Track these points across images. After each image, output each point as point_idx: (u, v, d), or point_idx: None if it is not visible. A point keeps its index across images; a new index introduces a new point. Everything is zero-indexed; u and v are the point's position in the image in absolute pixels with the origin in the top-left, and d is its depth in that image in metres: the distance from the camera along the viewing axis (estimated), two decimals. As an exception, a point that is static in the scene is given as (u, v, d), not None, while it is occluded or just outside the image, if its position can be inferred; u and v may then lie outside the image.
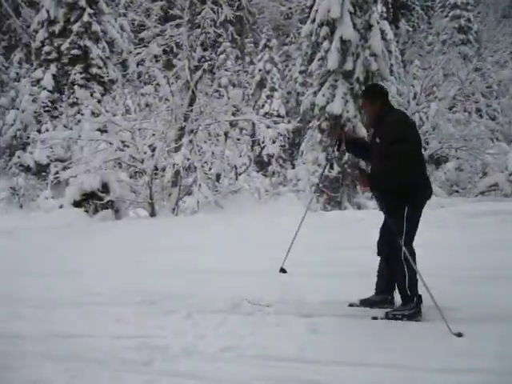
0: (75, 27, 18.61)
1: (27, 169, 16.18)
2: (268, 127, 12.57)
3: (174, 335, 3.47)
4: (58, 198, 13.92)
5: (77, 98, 16.95)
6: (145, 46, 13.87)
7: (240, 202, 11.17)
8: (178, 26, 12.54)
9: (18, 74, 18.98)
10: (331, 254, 5.73)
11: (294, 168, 17.72)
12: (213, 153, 10.95)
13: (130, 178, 12.98)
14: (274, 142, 12.54)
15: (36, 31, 19.46)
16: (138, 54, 12.47)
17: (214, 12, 12.87)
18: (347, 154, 12.62)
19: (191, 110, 10.80)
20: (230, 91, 11.75)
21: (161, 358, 3.12)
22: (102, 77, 18.17)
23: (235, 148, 13.58)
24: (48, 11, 18.97)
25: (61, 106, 16.92)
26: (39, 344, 3.49)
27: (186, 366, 2.99)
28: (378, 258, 3.94)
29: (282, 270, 4.38)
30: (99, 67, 18.33)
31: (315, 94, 14.39)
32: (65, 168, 14.76)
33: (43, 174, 15.73)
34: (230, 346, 3.21)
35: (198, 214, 10.27)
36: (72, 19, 18.88)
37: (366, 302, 3.94)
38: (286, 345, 3.23)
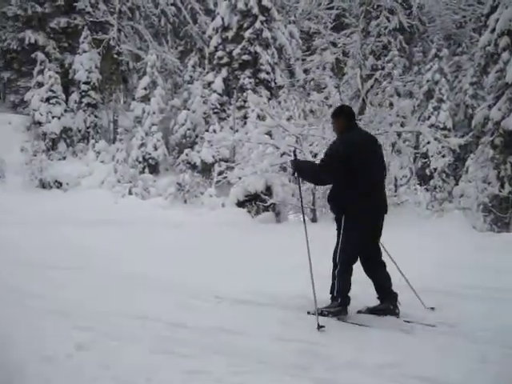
0: (247, 34, 20.15)
1: (193, 166, 17.85)
2: (436, 140, 12.53)
3: (336, 344, 3.55)
4: (220, 196, 15.26)
5: (244, 102, 18.38)
6: (311, 54, 14.70)
7: (400, 215, 11.29)
8: (351, 34, 13.13)
9: (191, 76, 20.95)
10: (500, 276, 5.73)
11: (457, 184, 17.28)
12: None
13: (289, 181, 13.82)
14: (443, 156, 12.49)
15: (210, 37, 21.40)
16: (311, 61, 13.25)
17: (388, 20, 13.27)
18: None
19: (360, 119, 11.25)
20: (401, 102, 11.93)
21: (322, 366, 3.18)
22: (270, 82, 19.48)
23: (396, 159, 13.71)
24: (223, 18, 20.79)
25: (229, 109, 18.47)
26: (206, 336, 3.79)
27: (345, 377, 3.03)
28: None
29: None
30: (267, 73, 19.64)
31: (490, 107, 13.97)
32: (228, 168, 16.11)
33: (208, 172, 17.34)
34: (391, 362, 3.21)
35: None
36: (244, 26, 20.47)
37: (373, 310, 4.31)
38: (452, 370, 3.17)
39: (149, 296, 5.10)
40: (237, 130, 17.13)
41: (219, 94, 19.55)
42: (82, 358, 3.51)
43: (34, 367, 3.34)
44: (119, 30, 22.85)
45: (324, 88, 13.37)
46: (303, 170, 4.44)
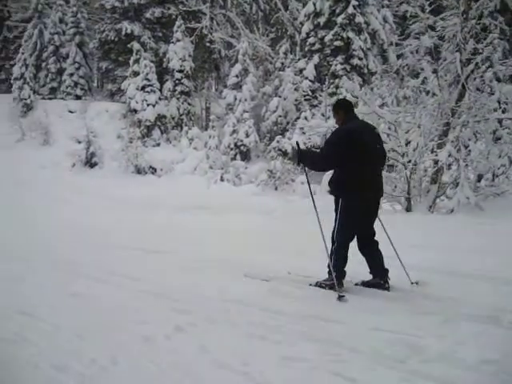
0: (339, 19, 20.24)
1: (284, 153, 18.34)
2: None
3: (432, 337, 3.53)
4: (312, 183, 15.62)
5: (336, 88, 18.60)
6: (405, 38, 14.60)
7: (503, 205, 11.14)
8: (450, 16, 12.96)
9: (282, 63, 21.36)
10: None
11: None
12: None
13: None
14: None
15: (302, 23, 21.68)
16: (407, 45, 13.26)
17: (490, 0, 12.96)
18: None
19: (459, 106, 11.18)
20: (503, 87, 11.70)
21: (416, 357, 3.20)
22: (362, 68, 19.54)
23: (496, 147, 13.41)
24: (314, 4, 20.98)
25: (320, 95, 18.75)
26: (300, 323, 3.87)
27: (441, 370, 3.04)
28: None
29: None
30: (360, 58, 19.67)
31: None
32: (319, 156, 16.42)
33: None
34: (491, 359, 3.17)
35: (455, 214, 10.54)
36: (337, 11, 20.58)
37: (366, 284, 4.87)
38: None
39: (241, 281, 5.27)
40: (328, 117, 17.37)
41: (311, 81, 19.83)
42: (180, 339, 3.72)
43: (136, 347, 3.60)
44: (211, 19, 23.67)
45: (418, 74, 13.31)
46: (306, 160, 4.89)
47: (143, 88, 21.90)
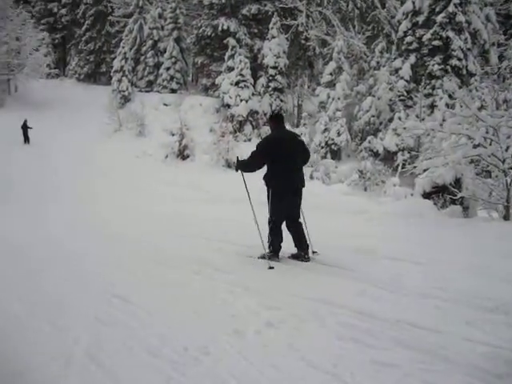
0: (439, 18, 19.92)
1: (375, 154, 18.38)
2: None
3: None
4: (402, 185, 15.60)
5: (432, 89, 18.43)
6: (509, 38, 14.27)
7: None
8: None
9: (378, 62, 21.33)
10: None
11: None
12: None
13: (477, 174, 13.66)
14: None
15: (399, 22, 21.51)
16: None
17: None
18: None
19: None
20: None
21: None
22: (461, 69, 19.16)
23: None
24: (414, 2, 20.75)
25: (416, 96, 18.64)
26: (392, 328, 3.80)
27: None
28: None
29: None
30: (459, 59, 19.29)
31: None
32: (412, 157, 16.37)
33: (390, 160, 17.74)
34: None
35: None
36: (437, 10, 20.27)
37: (293, 256, 6.11)
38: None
39: (330, 281, 5.25)
40: (423, 119, 17.26)
41: (406, 81, 19.69)
42: (270, 335, 3.78)
43: (227, 339, 3.69)
44: (307, 16, 24.01)
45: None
46: (241, 166, 6.12)
47: (237, 83, 22.59)
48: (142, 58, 31.60)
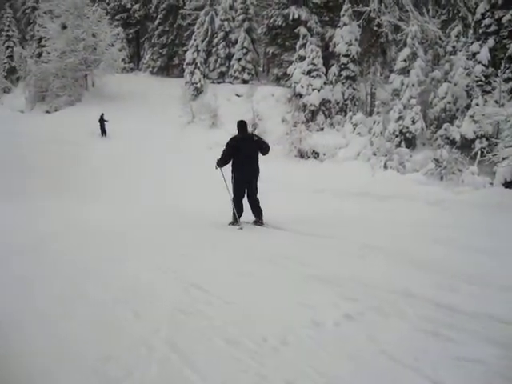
0: (519, -3, 19.38)
1: (452, 142, 18.11)
2: None
3: None
4: (481, 174, 15.38)
5: (512, 74, 17.98)
6: None
7: None
8: None
9: (454, 47, 20.88)
10: None
11: None
12: None
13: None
14: None
15: (476, 4, 20.94)
16: None
17: None
18: None
19: None
20: None
21: None
22: (544, 52, 18.53)
23: None
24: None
25: (494, 81, 18.21)
26: (475, 322, 3.77)
27: None
28: None
29: None
30: (542, 41, 18.71)
31: None
32: (490, 145, 16.10)
33: (467, 148, 17.44)
34: None
35: None
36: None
37: (253, 222, 8.77)
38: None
39: (407, 272, 5.26)
40: (502, 104, 16.91)
41: (484, 66, 19.20)
42: (349, 328, 3.78)
43: (306, 331, 3.74)
44: (380, 2, 23.82)
45: None
46: (219, 163, 8.64)
47: (309, 72, 22.81)
48: (214, 49, 32.36)
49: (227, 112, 26.27)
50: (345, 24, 23.10)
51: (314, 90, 22.55)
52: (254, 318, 4.12)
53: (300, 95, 23.09)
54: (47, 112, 35.94)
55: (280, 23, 27.21)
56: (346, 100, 22.81)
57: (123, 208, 12.74)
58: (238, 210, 8.70)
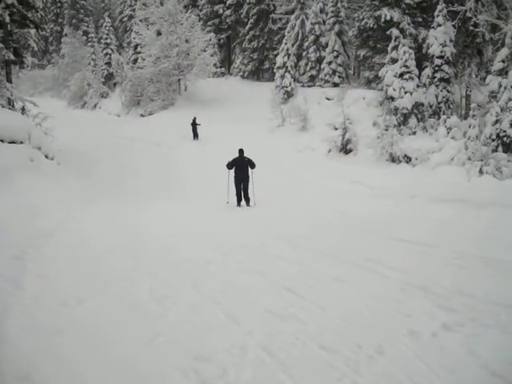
0: None
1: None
2: None
3: None
4: None
5: None
6: None
7: None
8: None
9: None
10: None
11: None
12: None
13: None
14: None
15: None
16: None
17: None
18: None
19: None
20: None
21: None
22: None
23: None
24: None
25: None
26: None
27: None
28: None
29: None
30: None
31: None
32: None
33: None
34: None
35: None
36: None
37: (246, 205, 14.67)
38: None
39: (510, 284, 5.14)
40: None
41: None
42: (447, 338, 3.73)
43: (402, 340, 3.66)
44: (476, 0, 23.34)
45: None
46: (227, 166, 14.84)
47: (401, 75, 22.72)
48: (304, 53, 32.79)
49: (317, 115, 26.61)
50: (439, 24, 22.81)
51: (406, 92, 22.44)
52: (349, 324, 4.15)
53: (392, 98, 23.05)
54: (142, 116, 37.89)
55: (371, 25, 27.21)
56: (439, 103, 22.53)
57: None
58: (238, 197, 14.79)
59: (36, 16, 19.42)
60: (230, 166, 14.72)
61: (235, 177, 14.69)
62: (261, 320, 4.25)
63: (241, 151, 14.87)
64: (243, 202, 14.77)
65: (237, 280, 5.69)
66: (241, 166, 14.62)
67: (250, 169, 14.68)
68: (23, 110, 19.01)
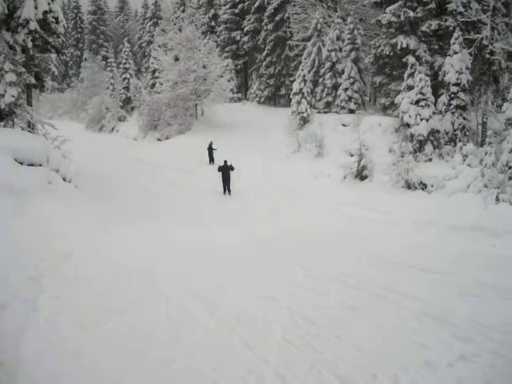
0: None
1: None
2: None
3: None
4: None
5: None
6: None
7: None
8: None
9: None
10: None
11: None
12: None
13: None
14: None
15: None
16: None
17: None
18: None
19: None
20: None
21: None
22: None
23: None
24: None
25: None
26: None
27: None
28: None
29: None
30: None
31: None
32: None
33: None
34: None
35: None
36: None
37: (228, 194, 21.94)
38: None
39: None
40: None
41: None
42: (464, 369, 3.67)
43: (417, 370, 3.64)
44: (492, 28, 23.45)
45: None
46: (218, 169, 22.19)
47: (417, 102, 22.78)
48: (321, 79, 33.06)
49: (333, 142, 26.66)
50: (455, 52, 22.89)
51: (422, 119, 22.48)
52: (364, 353, 4.11)
53: (408, 125, 23.07)
54: (159, 140, 38.29)
55: (388, 52, 27.41)
56: (455, 130, 22.51)
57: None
58: (223, 189, 21.59)
59: (57, 41, 19.89)
60: (219, 169, 22.07)
61: (222, 176, 21.93)
62: (277, 348, 4.26)
63: (225, 161, 22.13)
64: (227, 192, 21.92)
65: (252, 306, 5.81)
66: (226, 169, 21.84)
67: (231, 171, 21.91)
68: (43, 133, 19.38)
